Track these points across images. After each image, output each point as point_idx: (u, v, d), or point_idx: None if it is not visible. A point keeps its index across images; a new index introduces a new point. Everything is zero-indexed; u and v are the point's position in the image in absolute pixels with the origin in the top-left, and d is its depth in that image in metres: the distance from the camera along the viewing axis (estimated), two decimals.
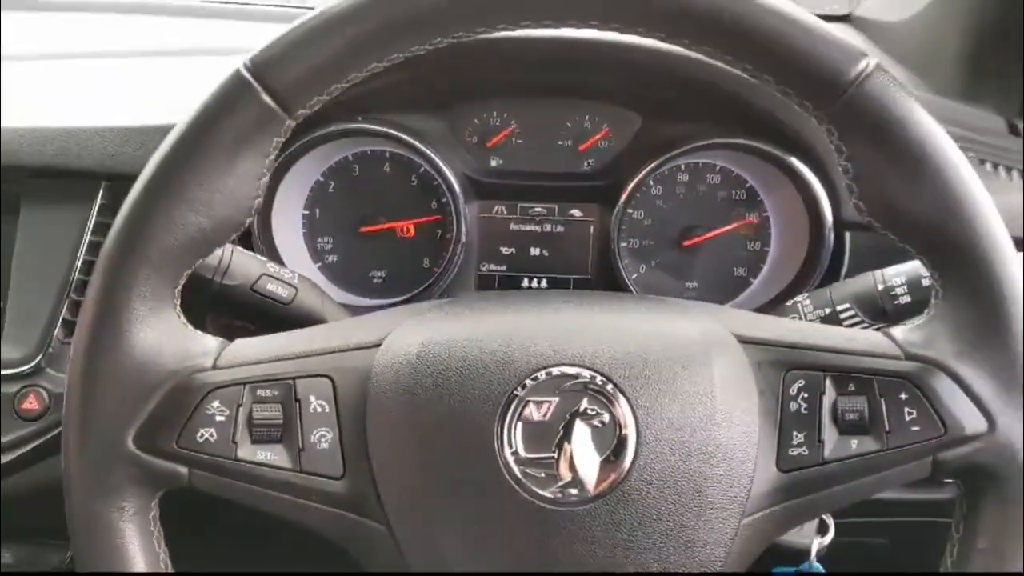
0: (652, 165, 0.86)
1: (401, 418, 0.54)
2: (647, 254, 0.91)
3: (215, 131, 0.53)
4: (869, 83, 0.51)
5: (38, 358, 0.77)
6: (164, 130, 0.78)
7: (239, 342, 0.58)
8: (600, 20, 0.52)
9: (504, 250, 0.92)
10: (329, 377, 0.56)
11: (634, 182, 0.86)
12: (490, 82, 0.89)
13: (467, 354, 0.55)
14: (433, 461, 0.53)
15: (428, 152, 0.86)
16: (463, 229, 0.88)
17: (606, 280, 0.90)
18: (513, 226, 0.91)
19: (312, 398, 0.55)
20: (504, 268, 0.92)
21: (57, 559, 0.87)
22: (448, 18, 0.52)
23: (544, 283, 0.92)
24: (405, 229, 0.91)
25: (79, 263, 0.78)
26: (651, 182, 0.89)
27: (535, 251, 0.92)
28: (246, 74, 0.52)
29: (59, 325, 0.77)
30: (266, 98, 0.52)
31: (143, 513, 0.54)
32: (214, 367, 0.55)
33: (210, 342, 0.57)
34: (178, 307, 0.56)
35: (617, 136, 0.89)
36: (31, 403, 0.76)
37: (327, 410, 0.55)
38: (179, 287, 0.55)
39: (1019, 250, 0.81)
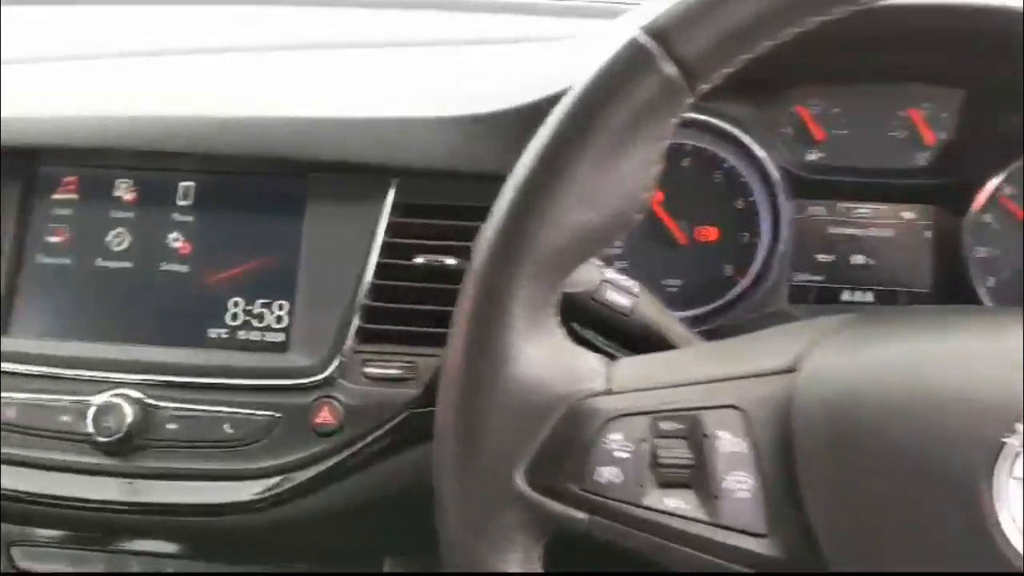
0: (1017, 164, 0.73)
1: (847, 465, 0.43)
2: (997, 265, 0.77)
3: (610, 108, 0.45)
4: None
5: (331, 368, 0.70)
6: (459, 121, 0.72)
7: (624, 361, 0.49)
8: None
9: (821, 258, 0.80)
10: (740, 409, 0.46)
11: (995, 182, 0.73)
12: (808, 65, 0.77)
13: (928, 386, 0.43)
14: (897, 521, 0.42)
15: (745, 141, 0.75)
16: (781, 233, 0.77)
17: (949, 295, 0.77)
18: (832, 230, 0.79)
19: (724, 435, 0.45)
20: (821, 278, 0.80)
21: None
22: None
23: (869, 296, 0.79)
24: (705, 232, 0.81)
25: (371, 266, 0.71)
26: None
27: (858, 259, 0.79)
28: (648, 41, 0.44)
29: (352, 333, 0.71)
30: (670, 69, 0.44)
31: (530, 563, 0.46)
32: (608, 391, 0.46)
33: (593, 360, 0.48)
34: (559, 319, 0.47)
35: (963, 127, 0.76)
36: (325, 416, 0.69)
37: (743, 449, 0.45)
38: (559, 296, 0.47)
39: None
